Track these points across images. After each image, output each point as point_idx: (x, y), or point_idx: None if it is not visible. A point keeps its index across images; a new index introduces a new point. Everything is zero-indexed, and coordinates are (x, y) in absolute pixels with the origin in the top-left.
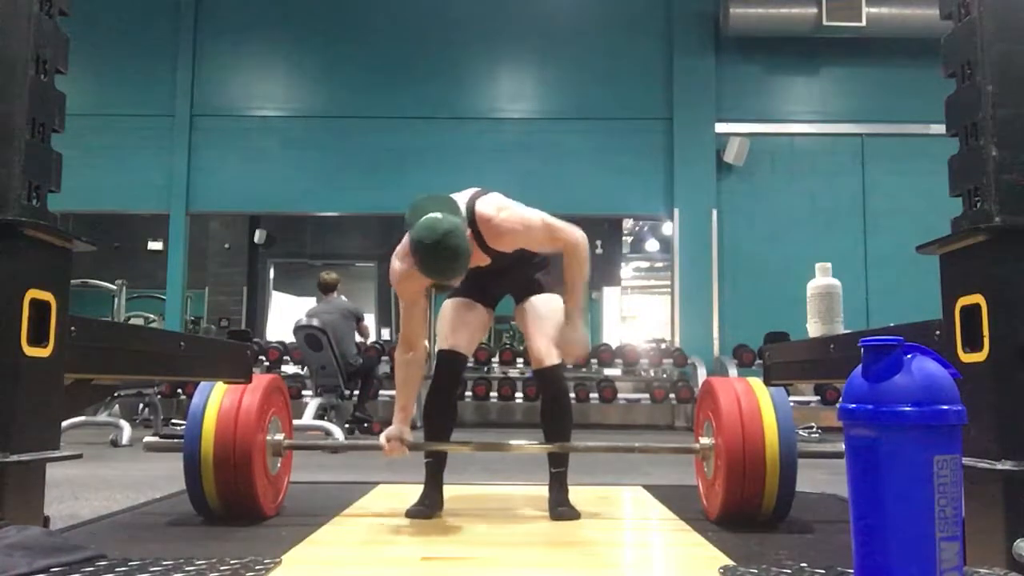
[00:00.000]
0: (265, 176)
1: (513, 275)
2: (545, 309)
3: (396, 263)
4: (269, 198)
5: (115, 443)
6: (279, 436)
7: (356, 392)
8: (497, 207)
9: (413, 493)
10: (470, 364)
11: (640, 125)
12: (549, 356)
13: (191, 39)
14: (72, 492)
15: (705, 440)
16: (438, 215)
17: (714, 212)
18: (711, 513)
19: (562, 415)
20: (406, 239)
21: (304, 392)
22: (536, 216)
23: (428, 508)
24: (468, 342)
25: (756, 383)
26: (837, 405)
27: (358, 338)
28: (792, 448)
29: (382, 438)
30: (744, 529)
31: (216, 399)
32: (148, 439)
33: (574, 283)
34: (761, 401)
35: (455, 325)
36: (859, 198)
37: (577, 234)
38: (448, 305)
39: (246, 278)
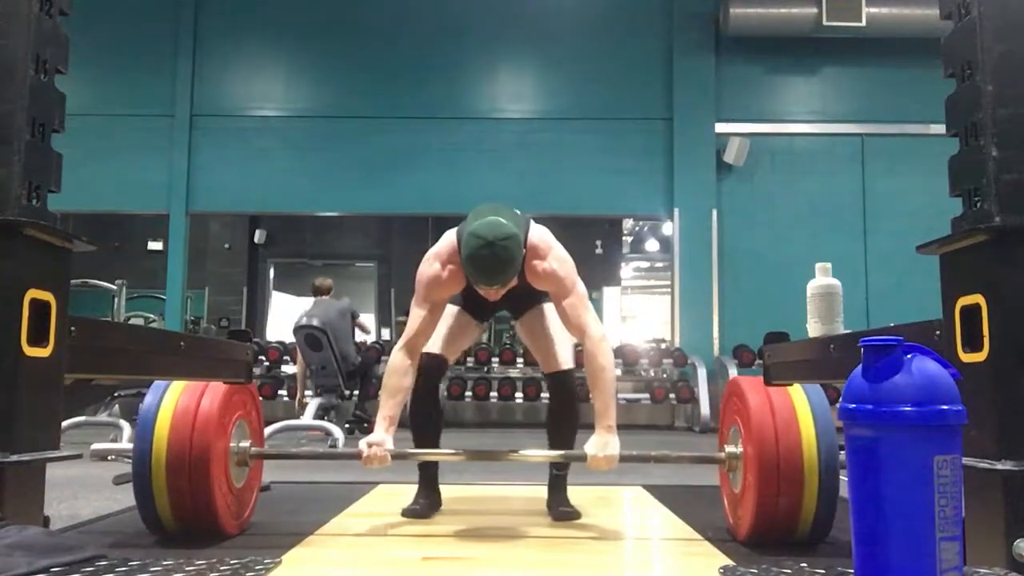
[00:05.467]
0: (265, 176)
1: (517, 296)
2: (548, 316)
3: (435, 265)
4: (269, 198)
5: (115, 443)
6: (245, 443)
7: (356, 392)
8: (550, 243)
9: (413, 494)
10: (470, 364)
11: (640, 125)
12: (561, 361)
13: (191, 39)
14: (72, 492)
15: (731, 448)
16: (503, 220)
17: (714, 212)
18: (740, 532)
19: (569, 422)
20: (445, 243)
21: (304, 392)
22: (579, 280)
23: (424, 508)
24: (454, 354)
25: None
26: (837, 405)
27: (360, 336)
28: (834, 457)
29: (362, 444)
30: None
31: (171, 399)
32: (95, 446)
33: (604, 394)
34: (796, 403)
35: (449, 336)
36: (859, 198)
37: (603, 330)
38: (445, 314)
39: (246, 278)
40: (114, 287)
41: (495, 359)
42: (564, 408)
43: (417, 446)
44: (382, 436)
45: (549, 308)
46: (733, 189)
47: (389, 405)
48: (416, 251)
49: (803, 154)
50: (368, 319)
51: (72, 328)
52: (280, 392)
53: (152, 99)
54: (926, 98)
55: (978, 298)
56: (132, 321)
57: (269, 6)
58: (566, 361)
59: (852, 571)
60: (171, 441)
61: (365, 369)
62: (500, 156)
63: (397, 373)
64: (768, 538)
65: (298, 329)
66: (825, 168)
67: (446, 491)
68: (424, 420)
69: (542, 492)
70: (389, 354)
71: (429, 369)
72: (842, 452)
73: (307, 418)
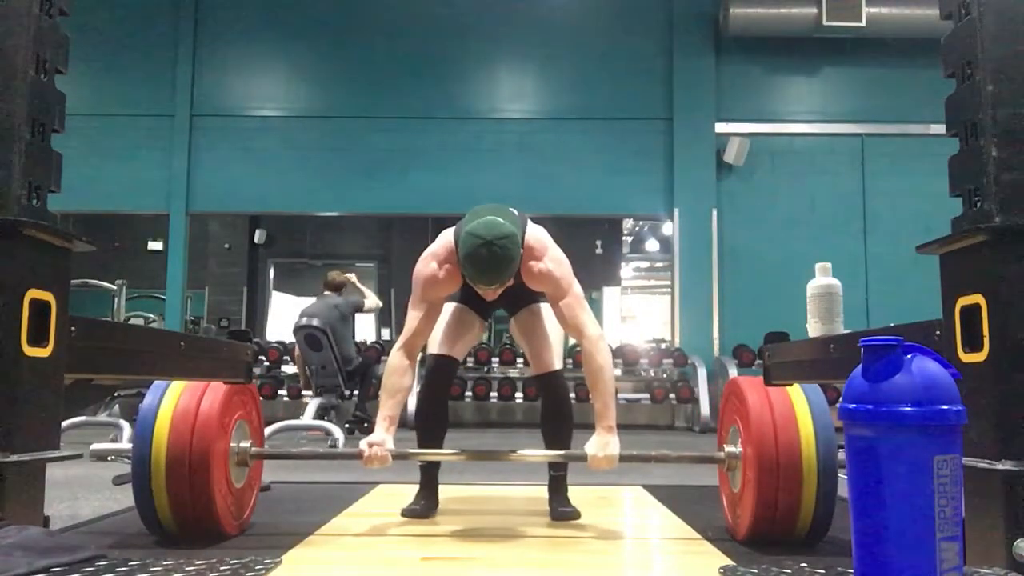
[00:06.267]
0: (265, 176)
1: (514, 295)
2: (542, 317)
3: (432, 264)
4: (269, 198)
5: (115, 443)
6: (245, 444)
7: (356, 392)
8: (546, 243)
9: (413, 494)
10: (470, 364)
11: (640, 125)
12: (550, 363)
13: (191, 39)
14: (72, 492)
15: (730, 448)
16: (500, 220)
17: (714, 212)
18: (739, 531)
19: (563, 422)
20: (442, 242)
21: (304, 392)
22: (575, 281)
23: (424, 508)
24: (462, 352)
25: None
26: (837, 405)
27: (369, 303)
28: (832, 457)
29: (363, 444)
30: None
31: (171, 399)
32: (95, 446)
33: (604, 394)
34: (795, 403)
35: (455, 334)
36: (859, 198)
37: (600, 330)
38: (448, 311)
39: (246, 278)
40: (114, 287)
41: (495, 359)
42: (557, 408)
43: (420, 446)
44: (382, 436)
45: (545, 309)
46: (733, 189)
47: (389, 405)
48: (416, 251)
49: (803, 154)
50: (368, 319)
51: (72, 328)
52: (280, 392)
53: (152, 99)
54: (926, 98)
55: (978, 298)
56: (132, 321)
57: (269, 6)
58: (556, 363)
59: (852, 571)
60: (171, 441)
61: (365, 369)
62: (500, 156)
63: (396, 373)
64: (767, 537)
65: (298, 329)
66: (825, 168)
67: (446, 491)
68: (429, 421)
69: (542, 492)
70: (389, 354)
71: (438, 370)
72: (841, 452)
73: (307, 418)
